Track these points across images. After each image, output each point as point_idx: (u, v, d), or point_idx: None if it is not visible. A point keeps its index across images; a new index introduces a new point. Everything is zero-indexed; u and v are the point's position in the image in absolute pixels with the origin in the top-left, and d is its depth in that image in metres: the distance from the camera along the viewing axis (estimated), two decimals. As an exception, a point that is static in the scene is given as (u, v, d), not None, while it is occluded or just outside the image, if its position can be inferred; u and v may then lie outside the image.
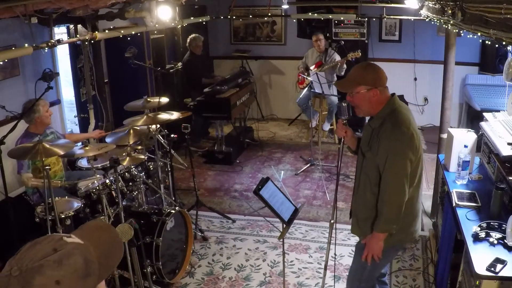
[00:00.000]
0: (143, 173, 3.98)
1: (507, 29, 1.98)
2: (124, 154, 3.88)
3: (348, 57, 6.21)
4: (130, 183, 3.92)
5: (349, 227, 4.40)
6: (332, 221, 2.79)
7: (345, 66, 6.41)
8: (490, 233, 2.60)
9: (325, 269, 2.93)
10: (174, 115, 4.11)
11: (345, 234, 4.35)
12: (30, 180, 3.65)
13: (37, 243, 0.93)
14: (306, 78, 6.40)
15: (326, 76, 5.99)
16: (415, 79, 7.28)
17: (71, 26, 4.98)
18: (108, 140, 3.95)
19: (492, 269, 2.33)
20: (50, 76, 3.77)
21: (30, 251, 0.90)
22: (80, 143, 4.17)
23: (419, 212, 2.66)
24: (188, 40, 6.63)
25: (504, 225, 2.64)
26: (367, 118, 2.68)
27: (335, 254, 3.98)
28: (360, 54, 6.24)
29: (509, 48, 3.57)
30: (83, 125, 5.33)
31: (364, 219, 2.63)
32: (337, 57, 6.50)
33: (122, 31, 4.84)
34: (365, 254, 2.61)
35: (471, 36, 2.80)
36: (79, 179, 3.99)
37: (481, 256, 2.44)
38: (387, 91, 2.55)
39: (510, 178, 2.90)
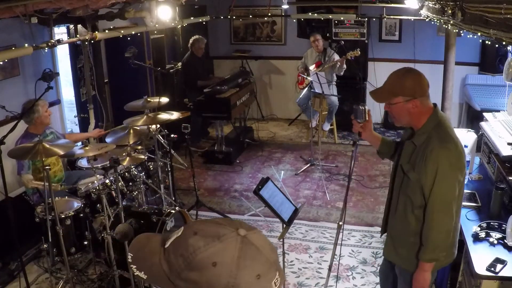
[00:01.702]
0: (143, 173, 3.98)
1: (507, 29, 1.98)
2: (124, 154, 3.88)
3: (348, 56, 6.20)
4: (130, 183, 3.92)
5: (350, 227, 4.46)
6: (340, 223, 2.68)
7: (345, 66, 6.40)
8: (490, 233, 2.60)
9: (330, 270, 2.88)
10: (174, 115, 4.11)
11: (345, 234, 4.34)
12: (30, 182, 3.65)
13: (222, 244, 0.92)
14: (306, 78, 6.40)
15: (326, 76, 5.99)
16: (415, 79, 7.27)
17: (71, 26, 4.98)
18: (108, 140, 3.95)
19: (492, 269, 2.33)
20: (50, 76, 3.77)
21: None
22: (80, 143, 4.17)
23: (457, 233, 2.41)
24: (190, 41, 6.60)
25: (504, 225, 2.64)
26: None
27: (335, 254, 3.99)
28: (359, 52, 6.23)
29: (509, 48, 3.57)
30: (83, 125, 5.33)
31: (404, 246, 2.37)
32: (336, 57, 6.49)
33: (122, 31, 4.84)
34: None
35: (471, 36, 2.81)
36: (79, 179, 4.00)
37: (481, 256, 2.44)
38: (429, 100, 2.27)
39: (510, 178, 2.90)
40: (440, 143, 2.17)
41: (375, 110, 6.77)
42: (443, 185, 2.16)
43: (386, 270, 2.71)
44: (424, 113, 2.25)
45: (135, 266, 0.97)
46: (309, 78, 5.93)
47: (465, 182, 3.25)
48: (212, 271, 0.88)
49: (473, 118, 6.17)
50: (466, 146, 3.38)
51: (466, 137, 3.45)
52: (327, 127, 6.91)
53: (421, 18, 5.13)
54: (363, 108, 2.45)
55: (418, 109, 2.22)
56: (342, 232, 2.71)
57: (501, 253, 2.47)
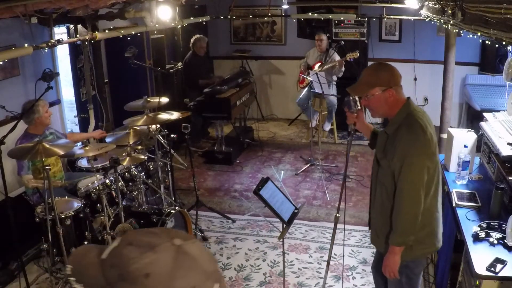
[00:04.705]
0: (143, 173, 3.98)
1: (507, 29, 1.98)
2: (124, 154, 3.88)
3: (347, 58, 6.21)
4: (130, 183, 3.92)
5: (350, 227, 4.46)
6: (337, 215, 2.81)
7: (343, 68, 6.40)
8: (490, 233, 2.60)
9: (328, 266, 2.89)
10: (174, 115, 4.11)
11: (345, 234, 4.34)
12: (30, 182, 3.65)
13: None
14: (306, 78, 6.40)
15: (326, 76, 5.99)
16: (415, 79, 7.28)
17: (71, 26, 4.98)
18: (108, 140, 3.95)
19: (492, 269, 2.33)
20: (50, 76, 3.78)
21: None
22: (80, 143, 4.17)
23: (438, 222, 2.51)
24: (192, 40, 6.61)
25: (504, 225, 2.64)
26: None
27: (335, 254, 3.99)
28: (358, 54, 6.23)
29: (509, 48, 3.57)
30: (83, 125, 5.32)
31: (385, 234, 2.47)
32: (337, 57, 6.49)
33: (122, 31, 4.84)
34: (386, 272, 2.49)
35: (471, 36, 2.81)
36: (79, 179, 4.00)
37: (481, 256, 2.44)
38: (402, 91, 2.44)
39: (510, 178, 2.90)
40: (407, 131, 2.32)
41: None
42: (411, 170, 2.28)
43: (377, 265, 2.75)
44: (399, 102, 2.41)
45: (74, 279, 0.94)
46: (309, 78, 5.94)
47: (465, 182, 3.29)
48: (145, 283, 0.85)
49: (473, 118, 6.16)
50: (466, 146, 3.38)
51: (466, 137, 3.45)
52: (327, 127, 6.91)
53: (421, 18, 5.13)
54: (353, 98, 2.57)
55: (394, 98, 2.39)
56: (344, 232, 2.73)
57: (501, 253, 2.47)
